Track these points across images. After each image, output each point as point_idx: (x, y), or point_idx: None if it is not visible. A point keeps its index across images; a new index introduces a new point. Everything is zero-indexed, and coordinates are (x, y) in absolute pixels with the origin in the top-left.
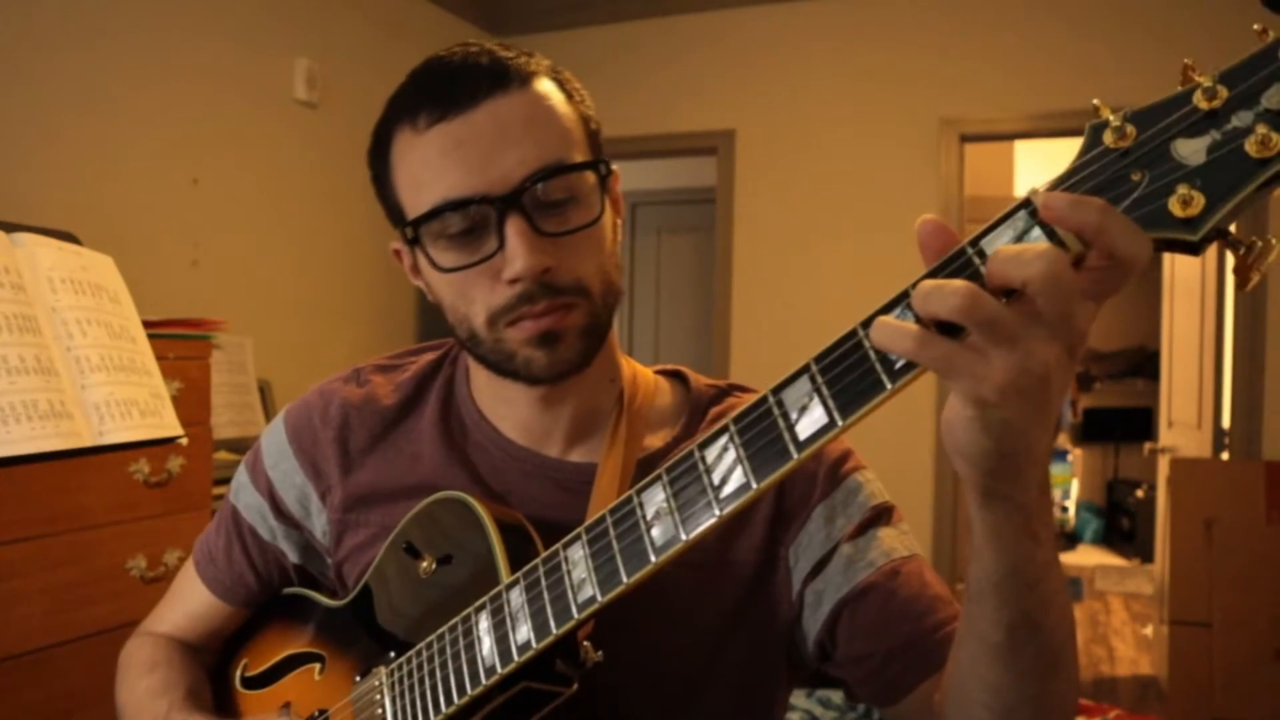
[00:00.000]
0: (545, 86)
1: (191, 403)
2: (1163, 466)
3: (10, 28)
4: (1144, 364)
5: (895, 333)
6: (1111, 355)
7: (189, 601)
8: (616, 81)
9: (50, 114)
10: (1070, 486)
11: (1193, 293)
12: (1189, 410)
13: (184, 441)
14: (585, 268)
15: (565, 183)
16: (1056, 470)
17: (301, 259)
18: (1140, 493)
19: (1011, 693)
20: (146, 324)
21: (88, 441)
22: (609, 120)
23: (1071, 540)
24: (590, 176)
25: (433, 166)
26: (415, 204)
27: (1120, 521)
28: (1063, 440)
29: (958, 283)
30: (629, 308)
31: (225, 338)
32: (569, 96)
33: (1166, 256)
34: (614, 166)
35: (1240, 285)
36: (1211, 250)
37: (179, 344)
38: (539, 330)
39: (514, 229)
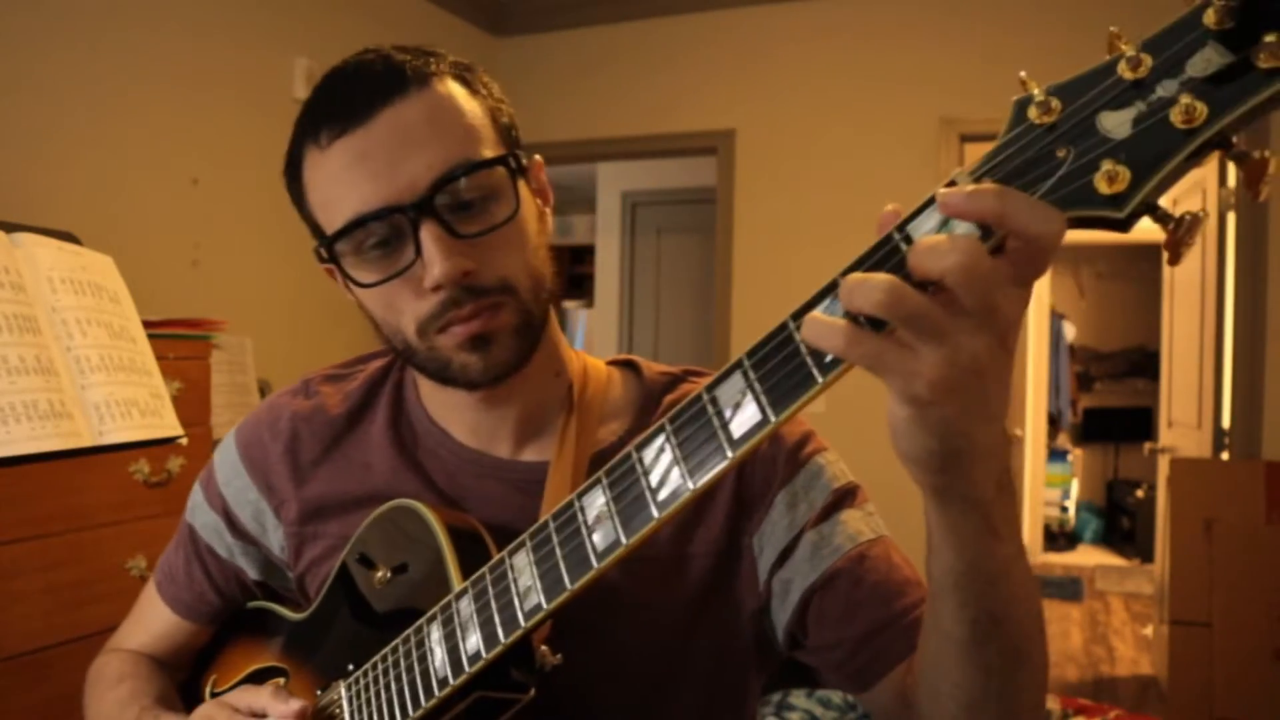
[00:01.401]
0: (445, 86)
1: (191, 403)
2: (1163, 466)
3: (10, 28)
4: (1144, 364)
5: (823, 329)
6: (1111, 355)
7: (153, 621)
8: (616, 81)
9: (50, 114)
10: (1070, 486)
11: (1193, 293)
12: (1189, 410)
13: (184, 441)
14: (508, 265)
15: (477, 181)
16: (1056, 470)
17: (301, 259)
18: (1140, 493)
19: (977, 687)
20: (146, 324)
21: (88, 441)
22: (609, 120)
23: (1071, 540)
24: (502, 171)
25: (340, 182)
26: (329, 222)
27: (1120, 521)
28: (1063, 440)
29: (880, 277)
30: (629, 307)
31: (225, 338)
32: (474, 92)
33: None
34: (536, 156)
35: (1171, 261)
36: (1212, 249)
37: (179, 344)
38: (469, 334)
39: (428, 235)
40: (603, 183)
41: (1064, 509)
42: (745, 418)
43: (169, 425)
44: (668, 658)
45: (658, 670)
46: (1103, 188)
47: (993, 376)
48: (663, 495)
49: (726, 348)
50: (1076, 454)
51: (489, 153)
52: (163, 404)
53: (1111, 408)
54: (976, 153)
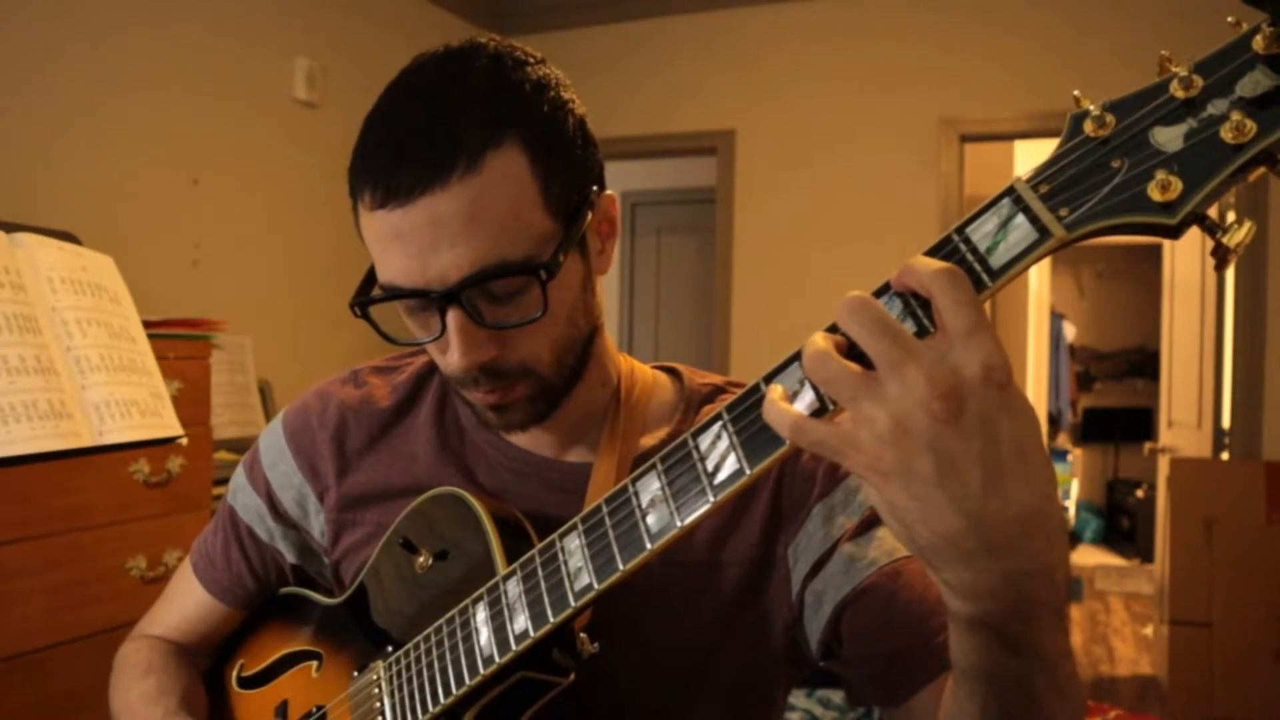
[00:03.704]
0: (501, 162)
1: (191, 403)
2: (1163, 466)
3: (10, 28)
4: (1144, 364)
5: (775, 415)
6: (1111, 355)
7: (185, 604)
8: (616, 81)
9: (50, 114)
10: (1070, 486)
11: (1193, 293)
12: (1189, 410)
13: (184, 441)
14: (531, 349)
15: (507, 281)
16: (1056, 470)
17: (302, 259)
18: (1140, 493)
19: None
20: (146, 324)
21: (88, 441)
22: (609, 120)
23: (1071, 540)
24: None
25: (380, 245)
26: (376, 264)
27: (1120, 521)
28: (1063, 440)
29: (814, 342)
30: (629, 308)
31: (225, 338)
32: (539, 155)
33: (1166, 257)
34: (609, 192)
35: (1218, 267)
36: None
37: (179, 344)
38: (485, 404)
39: (453, 324)
40: None
41: (1064, 509)
42: (803, 405)
43: (169, 425)
44: (697, 661)
45: (687, 673)
46: (1156, 195)
47: (940, 455)
48: (719, 479)
49: (726, 348)
50: (1076, 454)
51: (526, 246)
52: (163, 404)
53: (1111, 408)
54: (976, 153)
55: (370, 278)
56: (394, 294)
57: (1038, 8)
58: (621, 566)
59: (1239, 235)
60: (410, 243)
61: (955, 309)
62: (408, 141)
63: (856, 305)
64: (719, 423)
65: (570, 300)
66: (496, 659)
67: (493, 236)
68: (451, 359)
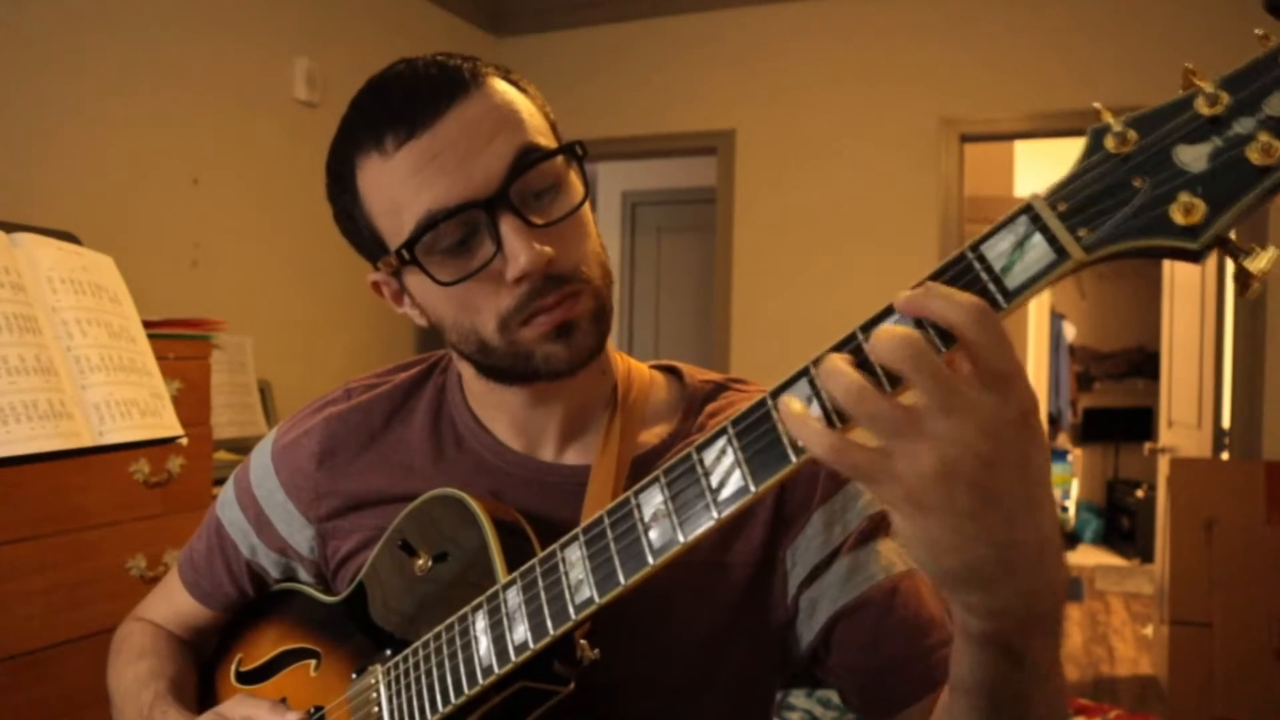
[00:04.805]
0: (499, 84)
1: (191, 403)
2: (1163, 466)
3: (10, 28)
4: (1144, 364)
5: (808, 433)
6: (1111, 355)
7: (175, 599)
8: (616, 81)
9: (50, 114)
10: (1070, 486)
11: (1193, 293)
12: (1189, 410)
13: (184, 441)
14: (581, 253)
15: (545, 170)
16: (1056, 470)
17: (302, 259)
18: (1140, 493)
19: None
20: (146, 324)
21: (88, 441)
22: (609, 120)
23: (1072, 540)
24: (564, 160)
25: (410, 185)
26: (397, 227)
27: (1120, 521)
28: (1063, 440)
29: (847, 373)
30: (629, 307)
31: (225, 338)
32: (521, 90)
33: None
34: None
35: (1240, 292)
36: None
37: (179, 344)
38: (554, 324)
39: (509, 227)
40: (603, 183)
41: (1064, 509)
42: None
43: (169, 425)
44: (699, 663)
45: (689, 675)
46: (1178, 219)
47: (980, 492)
48: (723, 495)
49: (726, 347)
50: (1076, 454)
51: (549, 143)
52: (163, 404)
53: (1111, 408)
54: (976, 153)
55: (379, 248)
56: (438, 219)
57: (1038, 8)
58: (623, 581)
59: (1262, 261)
60: (449, 157)
61: (994, 352)
62: (412, 86)
63: (905, 344)
64: (724, 437)
65: (592, 218)
66: (495, 669)
67: (523, 129)
68: (518, 263)
